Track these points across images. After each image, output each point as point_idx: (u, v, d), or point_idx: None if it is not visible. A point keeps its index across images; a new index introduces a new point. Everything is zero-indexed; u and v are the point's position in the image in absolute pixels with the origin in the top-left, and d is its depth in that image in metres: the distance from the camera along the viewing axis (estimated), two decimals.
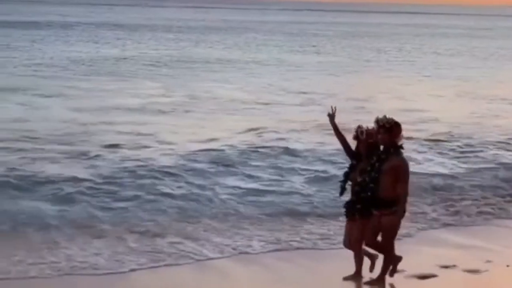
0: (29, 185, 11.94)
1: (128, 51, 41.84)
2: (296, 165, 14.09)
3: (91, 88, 25.32)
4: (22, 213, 10.38)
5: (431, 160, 15.24)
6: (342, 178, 7.63)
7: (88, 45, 44.58)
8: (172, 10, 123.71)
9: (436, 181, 13.17)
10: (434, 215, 11.21)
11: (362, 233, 7.49)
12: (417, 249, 9.40)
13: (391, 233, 7.40)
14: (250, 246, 9.41)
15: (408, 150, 15.68)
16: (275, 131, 17.59)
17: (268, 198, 11.75)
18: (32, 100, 22.11)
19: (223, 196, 11.68)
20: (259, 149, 15.40)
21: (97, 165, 13.65)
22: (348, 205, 7.58)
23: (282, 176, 13.27)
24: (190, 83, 27.71)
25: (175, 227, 10.06)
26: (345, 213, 7.65)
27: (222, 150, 15.21)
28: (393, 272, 7.77)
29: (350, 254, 7.88)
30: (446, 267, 8.71)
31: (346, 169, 7.64)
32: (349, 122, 19.09)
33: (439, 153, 15.94)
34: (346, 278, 7.81)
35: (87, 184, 12.09)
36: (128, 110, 20.52)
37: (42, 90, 24.26)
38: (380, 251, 7.63)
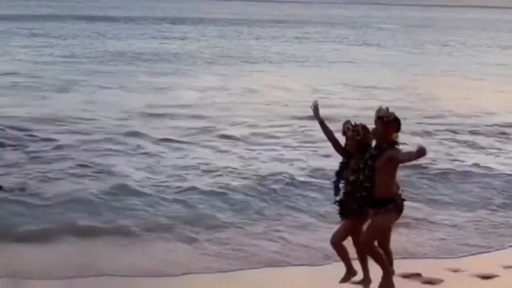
0: (95, 177, 11.89)
1: (189, 45, 42.15)
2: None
3: (151, 81, 25.56)
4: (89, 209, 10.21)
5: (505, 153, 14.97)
6: (334, 178, 7.13)
7: (151, 39, 45.13)
8: (234, 4, 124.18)
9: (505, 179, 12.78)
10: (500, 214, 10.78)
11: (348, 232, 7.04)
12: (481, 249, 9.11)
13: (379, 232, 6.89)
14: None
15: (480, 146, 15.57)
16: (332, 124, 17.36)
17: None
18: (94, 92, 22.43)
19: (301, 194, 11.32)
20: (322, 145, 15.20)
21: (159, 159, 13.59)
22: (341, 205, 7.08)
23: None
24: (249, 76, 27.69)
25: (250, 227, 9.70)
26: (339, 212, 7.15)
27: (287, 146, 15.02)
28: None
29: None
30: (510, 267, 8.42)
31: (337, 168, 7.13)
32: (409, 117, 18.94)
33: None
34: (342, 280, 7.22)
35: (153, 180, 11.88)
36: (187, 103, 20.58)
37: (103, 82, 24.64)
38: (364, 251, 7.09)
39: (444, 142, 16.11)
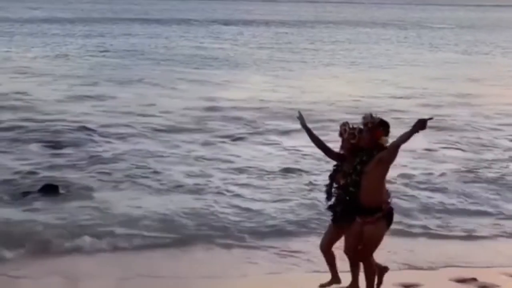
0: (151, 179, 11.89)
1: (241, 46, 42.28)
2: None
3: (203, 80, 25.79)
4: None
5: None
6: (328, 181, 6.88)
7: (203, 40, 45.42)
8: (287, 5, 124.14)
9: None
10: None
11: (335, 237, 6.84)
12: None
13: (373, 243, 6.65)
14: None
15: None
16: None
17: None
18: (148, 92, 22.74)
19: None
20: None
21: (212, 159, 13.59)
22: (334, 211, 6.85)
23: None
24: (299, 77, 27.65)
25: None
26: (332, 218, 6.89)
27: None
28: (379, 283, 7.04)
29: None
30: None
31: (331, 171, 6.89)
32: (458, 117, 18.63)
33: None
34: (322, 285, 7.03)
35: (208, 182, 11.80)
36: (237, 103, 20.65)
37: (156, 82, 24.98)
38: (359, 260, 6.87)
39: (497, 144, 15.81)
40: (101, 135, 15.54)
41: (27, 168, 12.52)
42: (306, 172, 12.71)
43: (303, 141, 15.14)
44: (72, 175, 12.07)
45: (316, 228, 9.59)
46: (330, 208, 6.86)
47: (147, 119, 17.63)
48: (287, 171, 12.76)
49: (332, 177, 6.83)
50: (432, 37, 54.54)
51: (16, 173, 12.19)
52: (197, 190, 11.40)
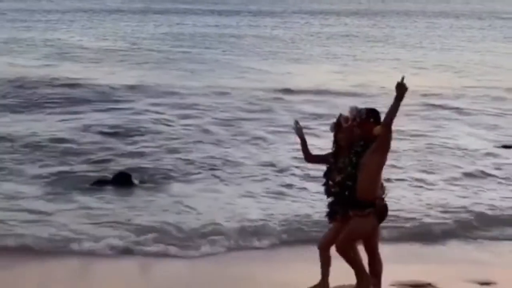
0: (222, 172, 11.81)
1: (309, 35, 42.10)
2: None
3: (268, 70, 25.83)
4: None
5: None
6: (324, 180, 6.61)
7: (273, 30, 45.38)
8: None
9: None
10: None
11: (335, 235, 6.49)
12: None
13: (354, 234, 6.30)
14: None
15: None
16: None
17: None
18: (218, 80, 22.89)
19: None
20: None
21: (278, 149, 13.59)
22: (330, 207, 6.59)
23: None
24: (367, 66, 27.36)
25: None
26: (326, 215, 6.67)
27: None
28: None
29: None
30: None
31: (325, 170, 6.61)
32: None
33: None
34: None
35: (279, 175, 11.74)
36: (304, 89, 20.76)
37: (227, 70, 25.28)
38: (338, 253, 6.44)
39: None
40: (175, 123, 15.66)
41: (100, 156, 12.62)
42: None
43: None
44: (145, 165, 11.99)
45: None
46: (329, 205, 6.62)
47: (220, 107, 17.74)
48: None
49: (327, 175, 6.59)
50: (508, 27, 52.96)
51: (89, 161, 12.33)
52: (274, 183, 11.21)
